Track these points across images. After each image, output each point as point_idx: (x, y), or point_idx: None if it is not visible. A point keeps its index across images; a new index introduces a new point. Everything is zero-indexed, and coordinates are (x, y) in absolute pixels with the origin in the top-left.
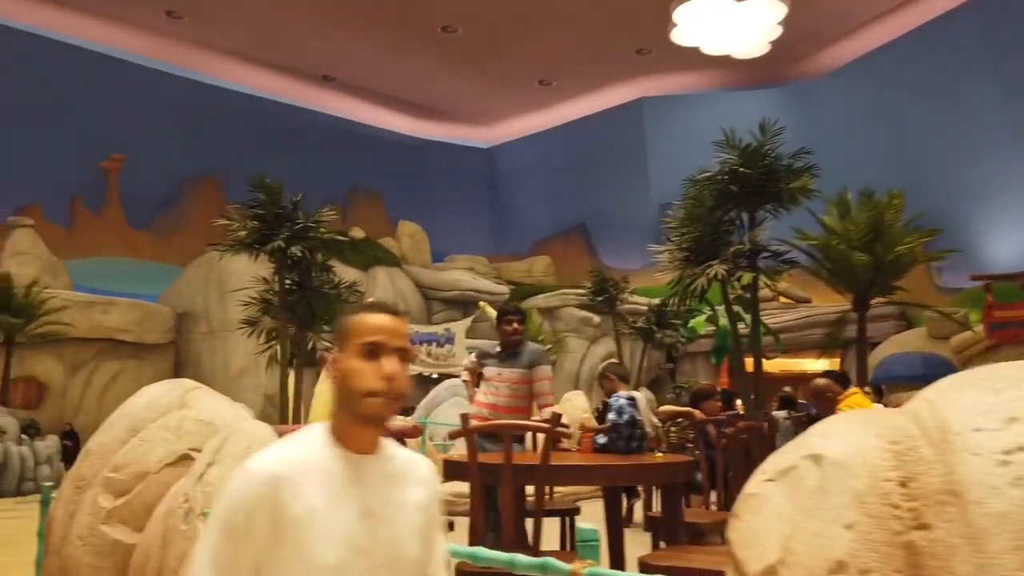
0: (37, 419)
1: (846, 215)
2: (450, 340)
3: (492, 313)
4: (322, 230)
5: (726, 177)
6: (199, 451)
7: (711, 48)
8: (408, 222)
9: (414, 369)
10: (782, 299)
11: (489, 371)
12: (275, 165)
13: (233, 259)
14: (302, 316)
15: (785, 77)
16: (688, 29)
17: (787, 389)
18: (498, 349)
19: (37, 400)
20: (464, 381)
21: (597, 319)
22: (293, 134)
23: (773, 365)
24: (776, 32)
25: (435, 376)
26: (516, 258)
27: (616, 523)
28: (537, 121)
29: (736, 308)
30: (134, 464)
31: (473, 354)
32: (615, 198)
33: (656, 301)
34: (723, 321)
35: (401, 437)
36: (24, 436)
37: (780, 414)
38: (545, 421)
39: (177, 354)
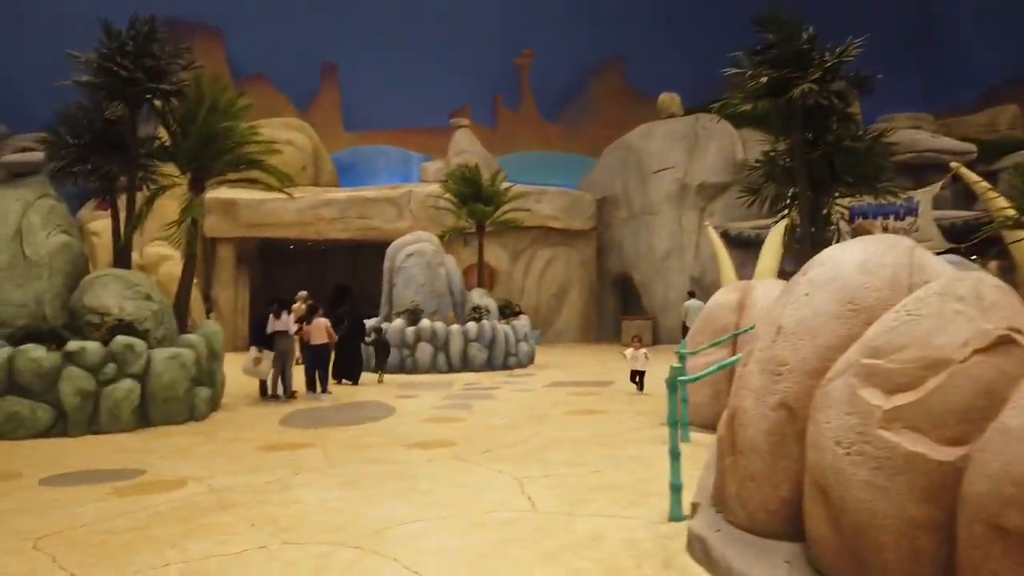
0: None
1: None
2: (912, 211)
3: (971, 176)
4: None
5: None
6: (1021, 331)
7: None
8: None
9: None
10: None
11: None
12: (669, 47)
13: (650, 139)
14: (820, 177)
15: None
16: None
17: None
18: None
19: (490, 284)
20: None
21: None
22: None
23: None
24: None
25: None
26: (962, 112)
27: None
28: None
29: None
30: (913, 348)
31: None
32: None
33: None
34: None
35: None
36: (501, 316)
37: None
38: None
39: (599, 239)
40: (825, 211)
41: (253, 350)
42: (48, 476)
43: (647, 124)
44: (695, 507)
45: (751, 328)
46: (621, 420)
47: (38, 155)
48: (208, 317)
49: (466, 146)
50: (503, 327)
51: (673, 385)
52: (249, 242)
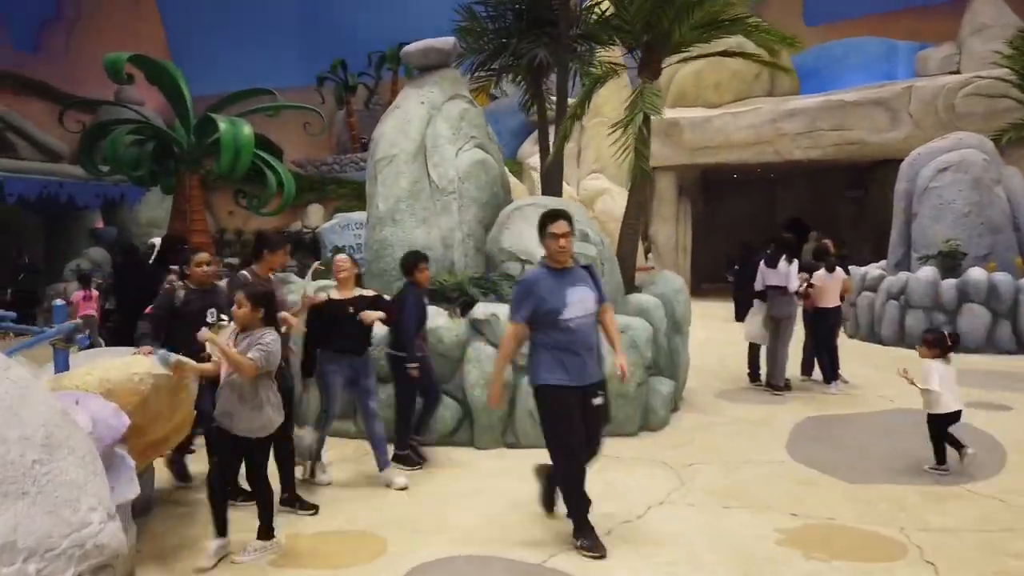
0: None
1: None
2: None
3: None
4: None
5: None
6: None
7: None
8: None
9: None
10: None
11: None
12: None
13: None
14: None
15: None
16: None
17: None
18: None
19: None
20: None
21: None
22: None
23: None
24: None
25: None
26: None
27: None
28: None
29: None
30: None
31: None
32: None
33: None
34: None
35: None
36: None
37: None
38: None
39: None
40: None
41: (757, 304)
42: (419, 564)
43: None
44: None
45: None
46: None
47: (447, 40)
48: (646, 259)
49: (990, 18)
50: None
51: None
52: (691, 170)
